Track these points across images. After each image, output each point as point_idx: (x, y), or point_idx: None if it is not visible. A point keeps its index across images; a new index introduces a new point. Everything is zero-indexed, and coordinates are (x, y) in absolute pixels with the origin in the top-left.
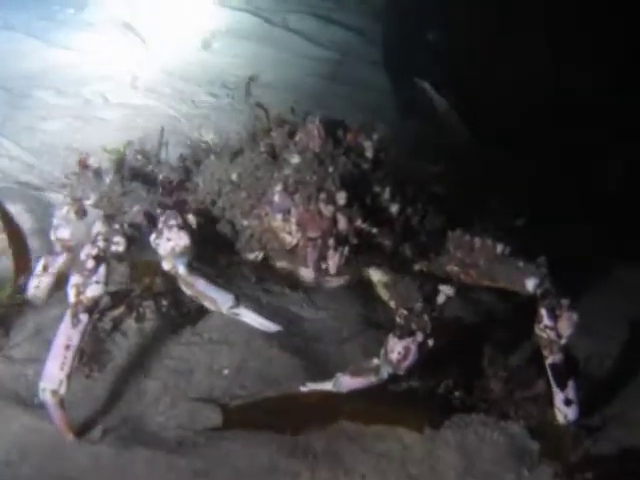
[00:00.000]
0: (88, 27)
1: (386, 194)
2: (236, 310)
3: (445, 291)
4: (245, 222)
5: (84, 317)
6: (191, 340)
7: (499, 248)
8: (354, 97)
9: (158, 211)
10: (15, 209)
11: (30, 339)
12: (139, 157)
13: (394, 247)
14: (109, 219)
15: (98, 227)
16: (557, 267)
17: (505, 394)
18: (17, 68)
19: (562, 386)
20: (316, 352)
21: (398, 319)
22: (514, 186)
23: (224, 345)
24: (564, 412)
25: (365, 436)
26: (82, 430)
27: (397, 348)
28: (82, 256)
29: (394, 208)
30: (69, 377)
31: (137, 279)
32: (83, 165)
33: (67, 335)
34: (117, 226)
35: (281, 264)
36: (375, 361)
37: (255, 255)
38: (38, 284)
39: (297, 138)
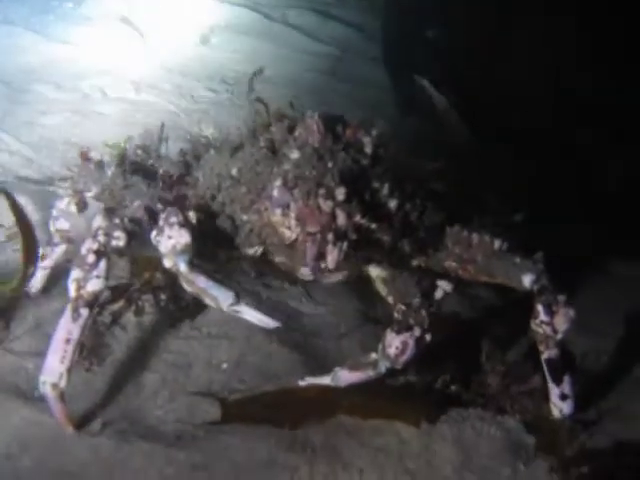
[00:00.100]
0: (87, 21)
1: (385, 190)
2: (237, 307)
3: (443, 286)
4: (245, 217)
5: (84, 311)
6: (190, 334)
7: (496, 244)
8: (353, 93)
9: (159, 206)
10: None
11: (30, 332)
12: (139, 152)
13: (393, 242)
14: (110, 214)
15: (99, 222)
16: (557, 266)
17: (502, 388)
18: (16, 62)
19: (558, 381)
20: (315, 347)
21: (396, 314)
22: (513, 184)
23: (223, 339)
24: (560, 407)
25: (363, 430)
26: (82, 423)
27: (395, 343)
28: (83, 250)
29: (393, 204)
30: (69, 371)
31: (137, 273)
32: (85, 158)
33: (67, 329)
34: (118, 221)
35: (280, 259)
36: (373, 356)
37: (255, 250)
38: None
39: (296, 133)
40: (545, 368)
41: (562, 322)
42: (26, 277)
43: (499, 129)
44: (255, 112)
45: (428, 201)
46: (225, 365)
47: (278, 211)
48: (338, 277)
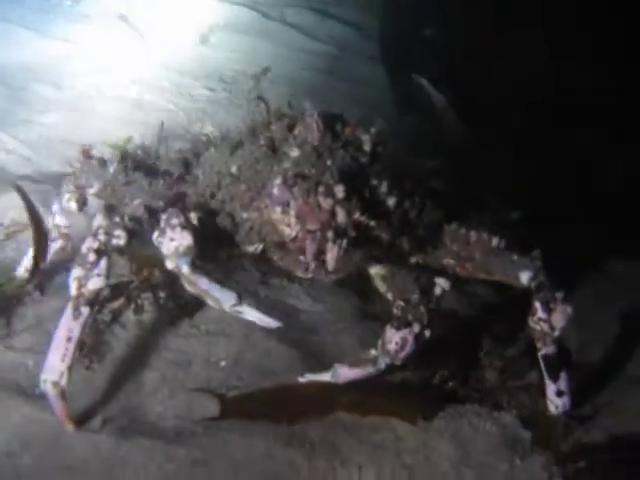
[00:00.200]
0: (85, 19)
1: (384, 187)
2: (239, 308)
3: (441, 284)
4: (245, 214)
5: (85, 310)
6: (189, 332)
7: (494, 242)
8: (351, 92)
9: (160, 204)
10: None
11: (30, 330)
12: (139, 152)
13: (391, 240)
14: (110, 212)
15: (99, 220)
16: (557, 265)
17: (499, 384)
18: (14, 61)
19: (554, 378)
20: (313, 344)
21: (395, 310)
22: (513, 183)
23: (221, 337)
24: (556, 403)
25: (361, 426)
26: (82, 420)
27: (394, 339)
28: (83, 249)
29: (391, 201)
30: (70, 369)
31: (136, 271)
32: (87, 155)
33: (68, 327)
34: (118, 219)
35: (280, 257)
36: (373, 352)
37: (255, 247)
38: (28, 267)
39: (296, 132)
40: (542, 364)
41: (559, 319)
42: (35, 273)
43: (498, 128)
44: (255, 111)
45: (426, 199)
46: (224, 362)
47: (278, 209)
48: (338, 274)
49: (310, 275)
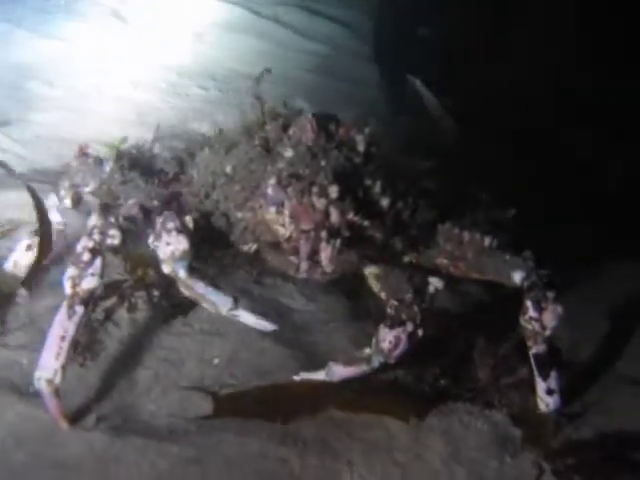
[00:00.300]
0: (81, 18)
1: (377, 188)
2: (235, 312)
3: (434, 283)
4: (239, 214)
5: (80, 309)
6: (182, 330)
7: (487, 241)
8: (344, 91)
9: (155, 203)
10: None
11: (24, 328)
12: (134, 151)
13: (385, 240)
14: (105, 212)
15: (94, 220)
16: (556, 265)
17: (491, 380)
18: (9, 59)
19: (545, 376)
20: (306, 342)
21: (389, 310)
22: (509, 182)
23: (215, 336)
24: (546, 401)
25: (353, 424)
26: (76, 418)
27: (388, 338)
28: (78, 248)
29: (385, 201)
30: (64, 367)
31: (130, 270)
32: (83, 153)
33: (63, 326)
34: (113, 219)
35: (274, 256)
36: (367, 351)
37: (249, 247)
38: (17, 262)
39: (291, 132)
40: (533, 363)
41: (550, 319)
42: (35, 271)
43: (497, 129)
44: (251, 109)
45: (420, 199)
46: (217, 360)
47: (272, 209)
48: (331, 274)
49: (304, 275)
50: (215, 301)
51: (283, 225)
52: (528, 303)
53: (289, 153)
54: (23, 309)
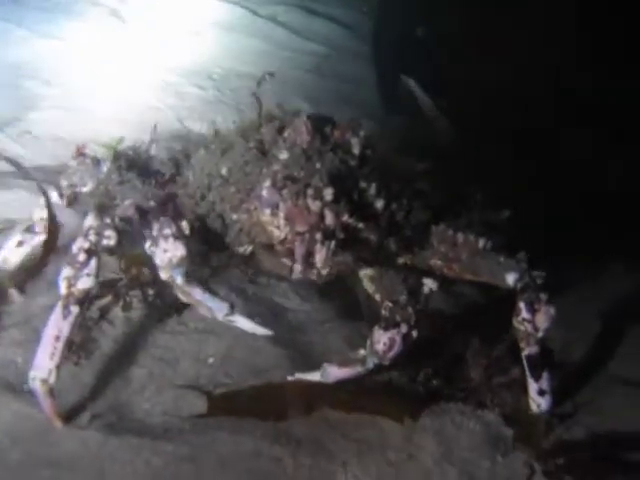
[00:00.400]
0: (77, 16)
1: (372, 190)
2: (231, 318)
3: (429, 284)
4: (234, 216)
5: (75, 309)
6: (177, 329)
7: (481, 243)
8: (340, 91)
9: (151, 204)
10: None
11: (19, 326)
12: (130, 152)
13: (379, 241)
14: (101, 213)
15: (90, 221)
16: (556, 265)
17: (484, 380)
18: (4, 57)
19: (537, 377)
20: (300, 342)
21: (383, 311)
22: (508, 182)
23: (210, 334)
24: (538, 402)
25: (346, 423)
26: (70, 416)
27: (382, 339)
28: (74, 249)
29: (379, 204)
30: (59, 367)
31: (125, 269)
32: (80, 154)
33: (57, 326)
34: (109, 220)
35: (269, 258)
36: (361, 352)
37: (244, 249)
38: (7, 258)
39: (286, 134)
40: (525, 364)
41: (543, 320)
42: (39, 269)
43: (497, 129)
44: (249, 110)
45: (414, 200)
46: (212, 359)
47: (267, 211)
48: (326, 276)
49: (299, 276)
50: (212, 307)
51: (278, 227)
52: (521, 305)
53: (284, 155)
54: (18, 308)
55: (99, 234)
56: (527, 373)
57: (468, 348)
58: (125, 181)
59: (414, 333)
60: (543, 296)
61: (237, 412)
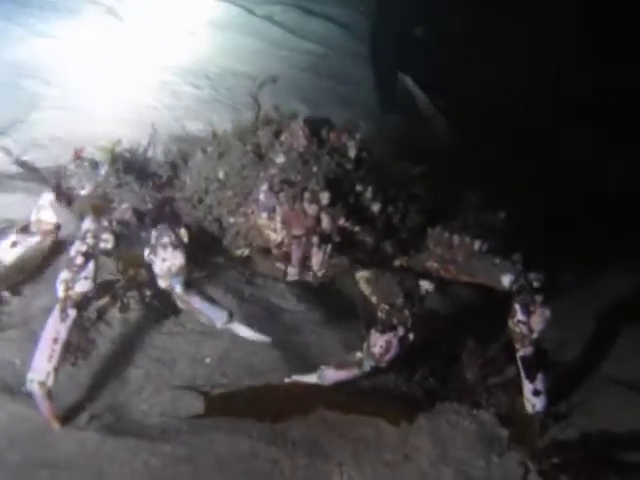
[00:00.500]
0: (77, 16)
1: (368, 193)
2: (230, 325)
3: (425, 286)
4: (231, 219)
5: (72, 312)
6: (174, 330)
7: (477, 245)
8: (339, 91)
9: (149, 206)
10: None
11: (17, 328)
12: (127, 155)
13: (375, 244)
14: (98, 216)
15: (88, 224)
16: (556, 265)
17: (479, 380)
18: (5, 58)
19: (531, 378)
20: (296, 343)
21: (380, 314)
22: (508, 182)
23: (207, 335)
24: (532, 402)
25: (343, 424)
26: (68, 417)
27: (379, 342)
28: (72, 252)
29: (376, 207)
30: (56, 369)
31: (122, 270)
32: (78, 157)
33: (55, 329)
34: (106, 223)
35: (266, 261)
36: (358, 354)
37: (241, 252)
38: (0, 258)
39: (282, 138)
40: (520, 365)
41: (538, 322)
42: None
43: (496, 129)
44: (247, 111)
45: (410, 203)
46: (209, 360)
47: (264, 214)
48: (322, 279)
49: (296, 278)
50: (211, 315)
51: (275, 230)
52: (516, 306)
53: (281, 159)
54: (16, 310)
55: (97, 237)
56: (522, 374)
57: (464, 349)
58: (123, 184)
59: (411, 336)
60: (538, 298)
61: (234, 413)
